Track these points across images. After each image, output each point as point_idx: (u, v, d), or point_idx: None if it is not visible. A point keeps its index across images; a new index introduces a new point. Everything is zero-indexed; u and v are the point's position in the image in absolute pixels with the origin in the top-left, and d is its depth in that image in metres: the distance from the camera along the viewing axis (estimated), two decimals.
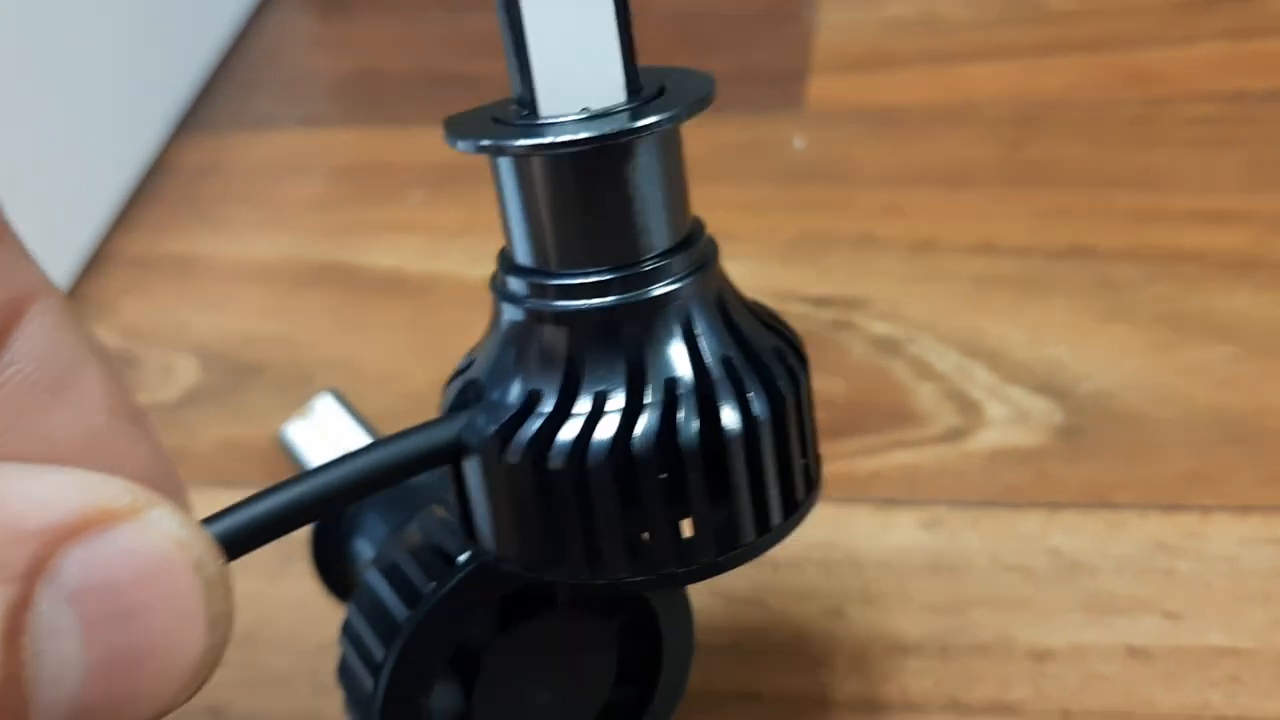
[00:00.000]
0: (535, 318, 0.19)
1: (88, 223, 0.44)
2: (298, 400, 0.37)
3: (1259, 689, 0.27)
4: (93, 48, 0.45)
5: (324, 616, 0.30)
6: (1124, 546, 0.30)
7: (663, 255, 0.19)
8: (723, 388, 0.19)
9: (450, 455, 0.19)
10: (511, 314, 0.19)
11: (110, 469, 0.15)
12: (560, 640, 0.24)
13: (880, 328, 0.36)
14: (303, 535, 0.29)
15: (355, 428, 0.32)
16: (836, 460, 0.33)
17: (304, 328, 0.40)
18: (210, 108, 0.50)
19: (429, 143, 0.47)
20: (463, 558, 0.23)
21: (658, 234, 0.19)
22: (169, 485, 0.18)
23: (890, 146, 0.43)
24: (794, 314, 0.37)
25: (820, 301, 0.37)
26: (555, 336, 0.19)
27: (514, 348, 0.19)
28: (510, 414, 0.19)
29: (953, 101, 0.44)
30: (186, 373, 0.39)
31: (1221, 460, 0.32)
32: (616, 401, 0.18)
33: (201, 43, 0.52)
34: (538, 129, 0.18)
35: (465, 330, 0.39)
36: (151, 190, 0.46)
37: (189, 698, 0.15)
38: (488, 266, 0.41)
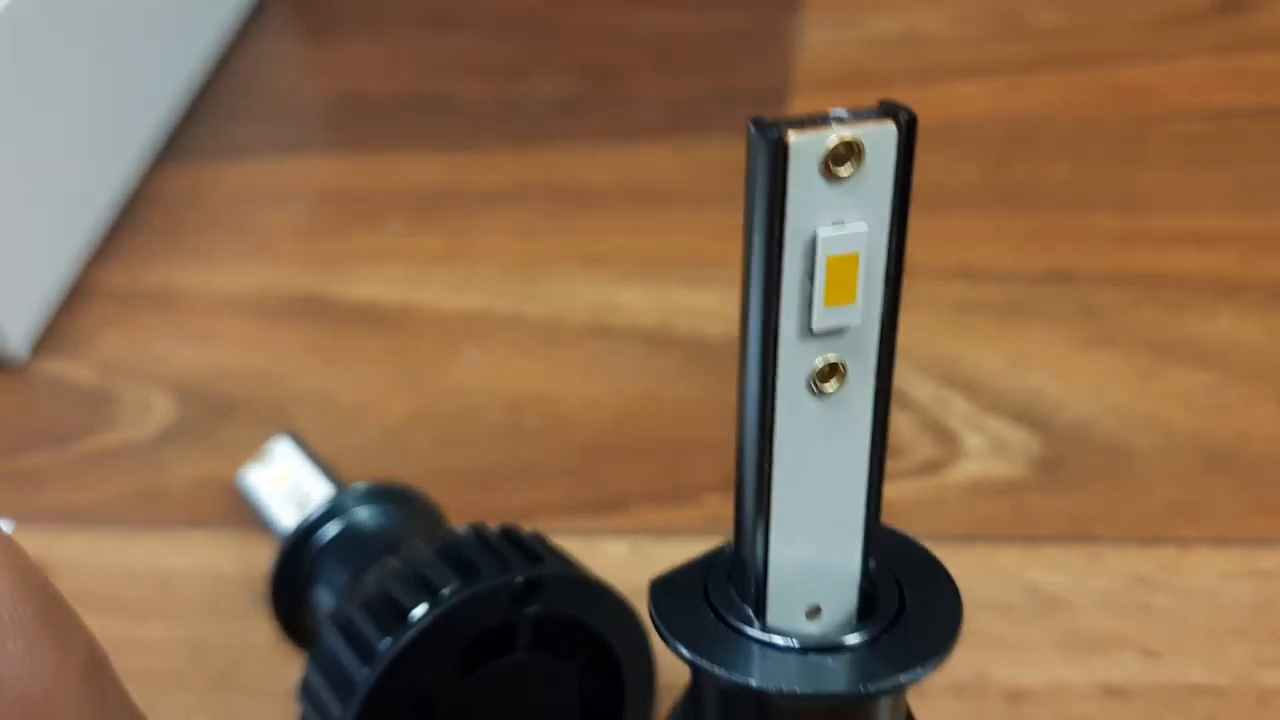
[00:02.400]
0: None
1: (67, 254, 0.44)
2: (274, 435, 0.37)
3: None
4: (73, 75, 0.45)
5: (296, 658, 0.30)
6: (1102, 581, 0.30)
7: None
8: None
9: None
10: None
11: None
12: (523, 682, 0.24)
13: None
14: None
15: (313, 472, 0.31)
16: None
17: (281, 361, 0.40)
18: (192, 135, 0.50)
19: (410, 169, 0.47)
20: (417, 611, 0.22)
21: None
22: None
23: None
24: None
25: None
26: None
27: None
28: None
29: (936, 121, 0.44)
30: (163, 409, 0.38)
31: (1202, 490, 0.31)
32: None
33: (183, 69, 0.52)
34: (757, 651, 0.16)
35: (442, 361, 0.39)
36: (132, 220, 0.46)
37: None
38: (466, 296, 0.41)
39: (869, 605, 0.16)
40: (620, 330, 0.38)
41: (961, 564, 0.30)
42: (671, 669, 0.29)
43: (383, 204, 0.45)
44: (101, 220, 0.46)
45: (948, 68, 0.46)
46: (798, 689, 0.15)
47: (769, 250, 0.14)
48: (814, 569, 0.16)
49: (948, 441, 0.33)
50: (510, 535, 0.25)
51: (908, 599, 0.17)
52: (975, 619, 0.29)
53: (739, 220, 0.47)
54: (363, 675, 0.22)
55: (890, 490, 0.33)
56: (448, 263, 0.42)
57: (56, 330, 0.42)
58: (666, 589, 0.17)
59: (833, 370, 0.15)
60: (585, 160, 0.45)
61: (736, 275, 0.44)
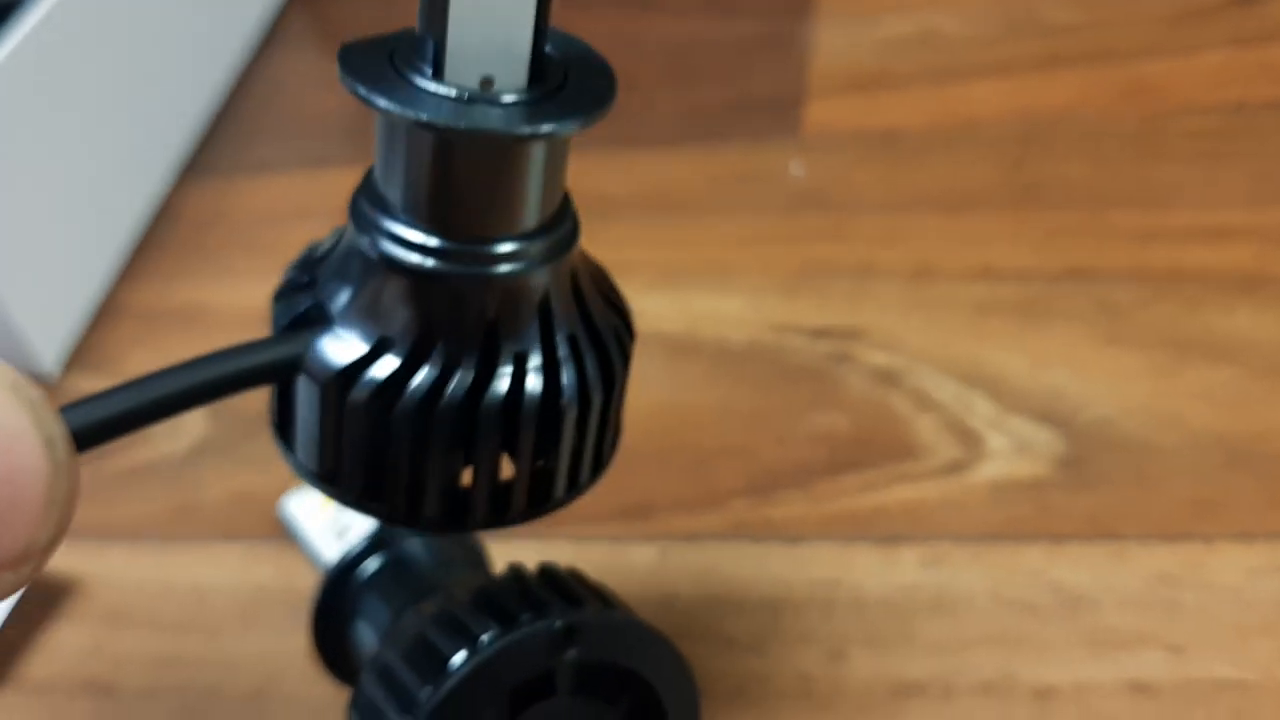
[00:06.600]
0: (390, 265, 0.19)
1: (95, 274, 0.44)
2: None
3: None
4: (96, 98, 0.45)
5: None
6: (1127, 578, 0.30)
7: (527, 237, 0.19)
8: (566, 365, 0.20)
9: (288, 373, 0.20)
10: (368, 250, 0.19)
11: None
12: None
13: (880, 359, 0.36)
14: (311, 589, 0.29)
15: None
16: (839, 497, 0.33)
17: None
18: (214, 153, 0.51)
19: None
20: (456, 660, 0.22)
21: (527, 218, 0.19)
22: None
23: (889, 170, 0.43)
24: (794, 348, 0.37)
25: (819, 334, 0.37)
26: (409, 291, 0.19)
27: (366, 283, 0.19)
28: (358, 356, 0.19)
29: (952, 122, 0.44)
30: (195, 425, 0.39)
31: (1224, 486, 0.31)
32: (468, 367, 0.19)
33: (204, 87, 0.52)
34: (430, 97, 0.18)
35: None
36: (158, 239, 0.47)
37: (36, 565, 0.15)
38: None
39: (537, 83, 0.18)
40: (644, 338, 0.38)
41: (987, 564, 0.31)
42: (715, 676, 0.29)
43: None
44: (128, 240, 0.46)
45: (963, 68, 0.46)
46: (461, 124, 0.17)
47: None
48: (489, 40, 0.18)
49: (971, 442, 0.34)
50: (549, 577, 0.25)
51: (570, 82, 0.19)
52: (1002, 619, 0.30)
53: (757, 227, 0.48)
54: None
55: (914, 491, 0.34)
56: None
57: (86, 349, 0.43)
58: (355, 49, 0.18)
59: None
60: (603, 170, 0.45)
61: (756, 281, 0.44)
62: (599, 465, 0.22)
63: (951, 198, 0.41)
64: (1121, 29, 0.46)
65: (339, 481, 0.21)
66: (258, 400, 0.39)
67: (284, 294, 0.21)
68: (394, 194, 0.19)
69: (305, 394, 0.20)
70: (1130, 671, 0.28)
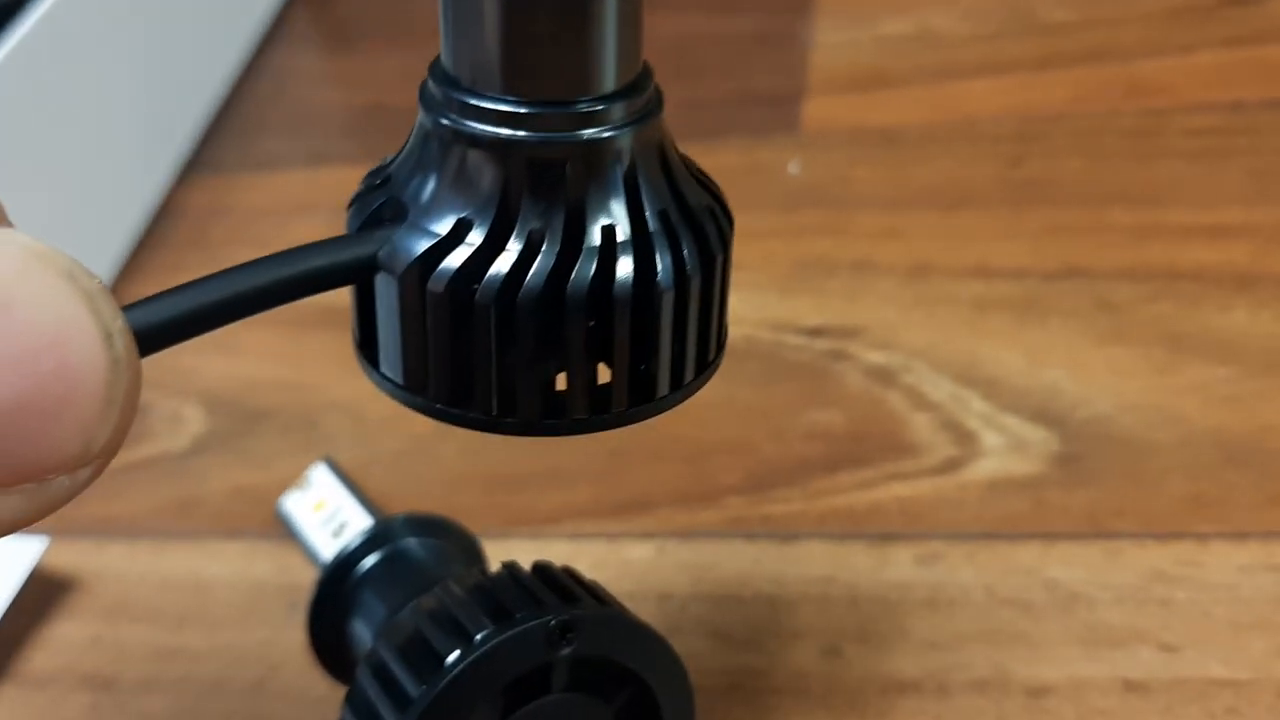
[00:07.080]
0: (468, 141, 0.18)
1: (97, 269, 0.45)
2: (305, 445, 0.38)
3: None
4: (98, 91, 0.46)
5: None
6: (1121, 576, 0.30)
7: (608, 99, 0.18)
8: (659, 241, 0.18)
9: (365, 273, 0.19)
10: (440, 131, 0.18)
11: None
12: None
13: (876, 357, 0.36)
14: (310, 585, 0.29)
15: (350, 499, 0.32)
16: (834, 494, 0.33)
17: (310, 371, 0.40)
18: (217, 148, 0.51)
19: None
20: (451, 658, 0.22)
21: (604, 77, 0.18)
22: None
23: (887, 168, 0.43)
24: (791, 346, 0.37)
25: (816, 332, 0.37)
26: (488, 165, 0.18)
27: (442, 167, 0.18)
28: (436, 240, 0.18)
29: (950, 119, 0.44)
30: (195, 421, 0.39)
31: (1220, 484, 0.32)
32: (552, 243, 0.18)
33: (207, 82, 0.53)
34: None
35: None
36: (160, 234, 0.47)
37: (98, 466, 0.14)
38: None
39: None
40: None
41: (981, 562, 0.31)
42: (710, 671, 0.29)
43: None
44: (131, 236, 0.46)
45: (960, 66, 0.46)
46: None
47: None
48: None
49: (966, 440, 0.34)
50: (544, 574, 0.24)
51: None
52: (996, 616, 0.30)
53: (756, 223, 0.48)
54: None
55: (910, 489, 0.34)
56: None
57: None
58: None
59: None
60: None
61: (755, 278, 0.44)
62: (704, 362, 0.20)
63: (949, 195, 0.41)
64: (1118, 27, 0.46)
65: (426, 389, 0.19)
66: (258, 396, 0.40)
67: (358, 198, 0.20)
68: (463, 67, 0.18)
69: (384, 294, 0.19)
70: (1124, 669, 0.28)
